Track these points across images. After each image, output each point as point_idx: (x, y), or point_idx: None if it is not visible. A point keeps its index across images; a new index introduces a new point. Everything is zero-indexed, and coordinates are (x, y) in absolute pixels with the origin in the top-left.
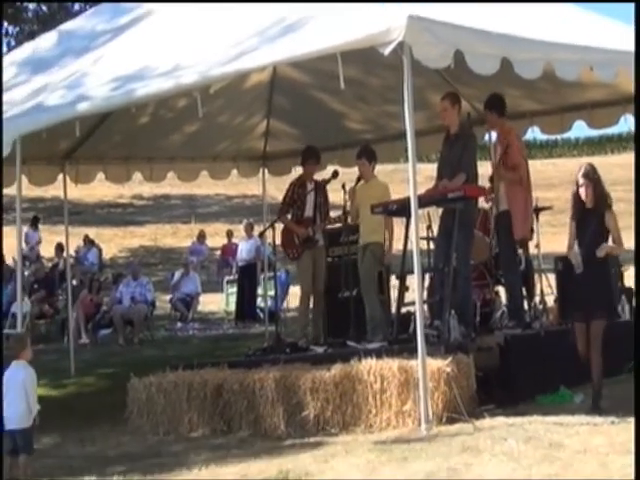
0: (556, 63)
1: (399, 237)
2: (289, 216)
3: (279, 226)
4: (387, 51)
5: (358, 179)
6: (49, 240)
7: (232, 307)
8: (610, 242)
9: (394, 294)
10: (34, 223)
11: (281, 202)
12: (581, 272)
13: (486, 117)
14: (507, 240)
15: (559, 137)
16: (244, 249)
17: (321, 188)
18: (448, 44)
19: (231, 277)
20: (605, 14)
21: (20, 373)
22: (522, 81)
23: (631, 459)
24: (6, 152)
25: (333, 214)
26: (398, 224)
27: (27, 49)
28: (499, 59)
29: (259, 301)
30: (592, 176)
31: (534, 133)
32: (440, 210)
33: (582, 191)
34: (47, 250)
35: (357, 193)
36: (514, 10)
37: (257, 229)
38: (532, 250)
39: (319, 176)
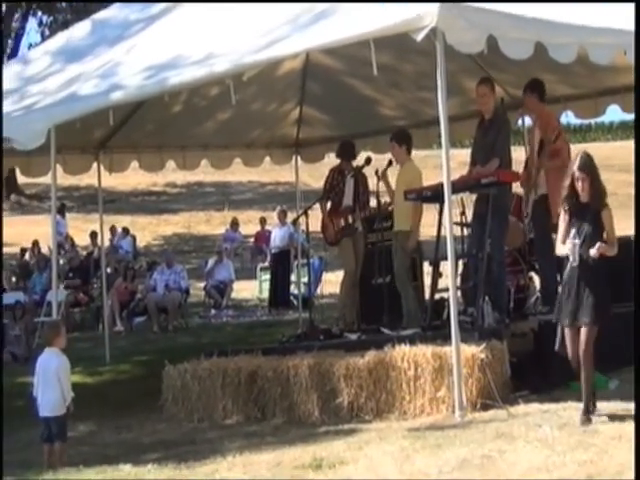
0: (590, 47)
1: (432, 223)
2: (329, 203)
3: (313, 213)
4: (420, 37)
5: (389, 163)
6: (83, 229)
7: (265, 294)
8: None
9: (427, 280)
10: (61, 211)
11: (322, 189)
12: (571, 272)
13: (525, 100)
14: (543, 225)
15: (593, 121)
16: (277, 236)
17: (361, 176)
18: (481, 29)
19: (264, 264)
20: None
21: (53, 361)
22: (556, 66)
23: None
24: (40, 142)
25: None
26: (431, 210)
27: (61, 38)
28: (533, 44)
29: (292, 288)
30: (590, 169)
31: (568, 118)
32: (474, 196)
33: (579, 185)
34: (82, 239)
35: (396, 178)
36: None
37: (290, 216)
38: None
39: (353, 163)
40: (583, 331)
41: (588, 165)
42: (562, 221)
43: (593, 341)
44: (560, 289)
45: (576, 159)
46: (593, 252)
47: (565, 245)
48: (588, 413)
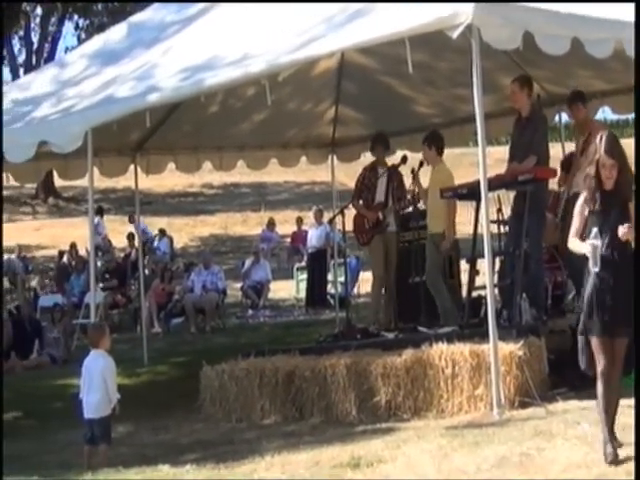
0: (626, 42)
1: (468, 221)
2: (361, 201)
3: (349, 212)
4: (455, 34)
5: (420, 164)
6: (121, 230)
7: (302, 294)
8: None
9: (464, 278)
10: (99, 212)
11: (354, 187)
12: (595, 279)
13: (577, 111)
14: None
15: (630, 117)
16: (314, 236)
17: (395, 173)
18: (517, 26)
19: (301, 264)
20: None
21: (100, 362)
22: (592, 61)
23: None
24: (77, 144)
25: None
26: (468, 207)
27: (97, 42)
28: (569, 39)
29: (329, 287)
30: (618, 152)
31: (604, 113)
32: (512, 193)
33: (605, 172)
34: (120, 241)
35: (429, 180)
36: None
37: (327, 215)
38: None
39: (389, 161)
40: (617, 342)
41: (616, 148)
42: (579, 213)
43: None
44: (585, 297)
45: (600, 141)
46: (621, 232)
47: (584, 244)
48: (614, 446)
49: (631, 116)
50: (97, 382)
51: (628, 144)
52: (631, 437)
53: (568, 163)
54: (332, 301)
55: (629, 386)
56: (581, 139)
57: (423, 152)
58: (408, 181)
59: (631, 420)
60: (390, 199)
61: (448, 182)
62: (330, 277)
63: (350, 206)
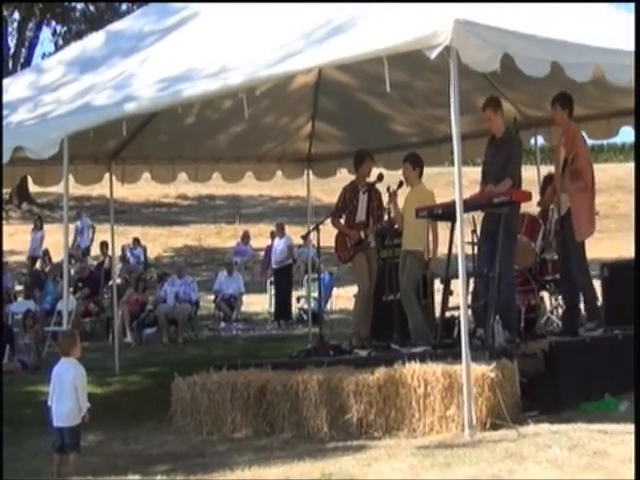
0: (607, 68)
1: (443, 241)
2: (342, 220)
3: (323, 228)
4: (433, 55)
5: (400, 183)
6: (94, 238)
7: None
8: None
9: (438, 298)
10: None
11: (334, 206)
12: None
13: (556, 114)
14: (575, 241)
15: (605, 142)
16: (277, 250)
17: (374, 191)
18: (496, 48)
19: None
20: None
21: (71, 371)
22: (569, 86)
23: None
24: (54, 151)
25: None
26: (443, 228)
27: (75, 49)
28: (549, 63)
29: (302, 302)
30: None
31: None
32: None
33: None
34: (92, 249)
35: (405, 199)
36: (559, 12)
37: (301, 230)
38: None
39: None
40: None
41: None
42: None
43: None
44: None
45: None
46: None
47: None
48: None
49: (605, 142)
50: (68, 391)
51: (601, 168)
52: (604, 461)
53: (548, 184)
54: (305, 316)
55: (587, 411)
56: (562, 152)
57: (405, 170)
58: (384, 198)
59: (603, 445)
60: (371, 219)
61: (429, 202)
62: (303, 292)
63: (326, 222)
